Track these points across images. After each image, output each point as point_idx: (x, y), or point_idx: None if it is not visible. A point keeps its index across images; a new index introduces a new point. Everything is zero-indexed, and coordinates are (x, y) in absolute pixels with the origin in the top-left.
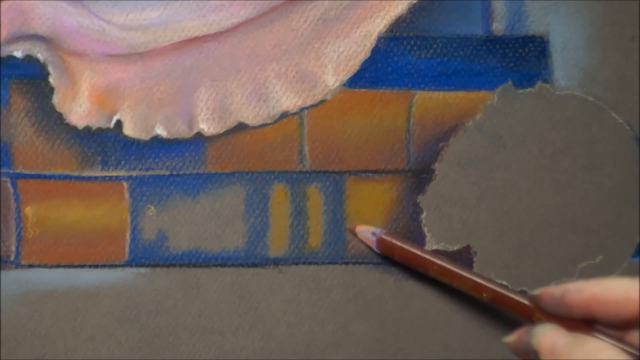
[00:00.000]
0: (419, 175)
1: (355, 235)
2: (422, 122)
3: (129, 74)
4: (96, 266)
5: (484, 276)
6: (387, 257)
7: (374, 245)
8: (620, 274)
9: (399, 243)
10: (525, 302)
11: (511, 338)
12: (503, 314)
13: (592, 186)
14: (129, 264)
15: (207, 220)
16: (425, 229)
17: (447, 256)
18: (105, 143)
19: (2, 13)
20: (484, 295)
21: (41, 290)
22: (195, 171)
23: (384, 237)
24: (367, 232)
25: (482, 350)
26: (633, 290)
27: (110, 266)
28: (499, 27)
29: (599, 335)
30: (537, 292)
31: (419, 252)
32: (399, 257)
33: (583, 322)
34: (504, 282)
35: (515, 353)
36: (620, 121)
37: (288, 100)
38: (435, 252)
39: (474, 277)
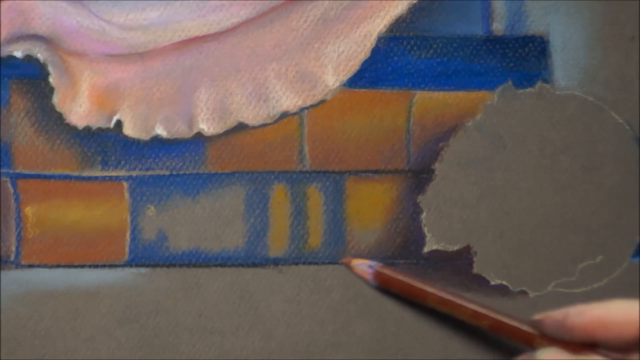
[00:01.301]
0: (419, 175)
1: (350, 269)
2: (422, 122)
3: (129, 74)
4: (96, 266)
5: (483, 304)
6: (384, 289)
7: (370, 279)
8: (620, 274)
9: (395, 275)
10: (526, 328)
11: None
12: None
13: (592, 186)
14: (129, 264)
15: (207, 220)
16: (425, 229)
17: (447, 256)
18: (105, 143)
19: (2, 13)
20: (484, 323)
21: (41, 290)
22: (195, 171)
23: (380, 270)
24: (364, 266)
25: (482, 350)
26: (634, 312)
27: (110, 266)
28: (499, 27)
29: (601, 358)
30: (538, 316)
31: (416, 284)
32: (396, 288)
33: (585, 345)
34: (504, 282)
35: None
36: (620, 121)
37: (288, 100)
38: (435, 252)
39: (472, 305)
